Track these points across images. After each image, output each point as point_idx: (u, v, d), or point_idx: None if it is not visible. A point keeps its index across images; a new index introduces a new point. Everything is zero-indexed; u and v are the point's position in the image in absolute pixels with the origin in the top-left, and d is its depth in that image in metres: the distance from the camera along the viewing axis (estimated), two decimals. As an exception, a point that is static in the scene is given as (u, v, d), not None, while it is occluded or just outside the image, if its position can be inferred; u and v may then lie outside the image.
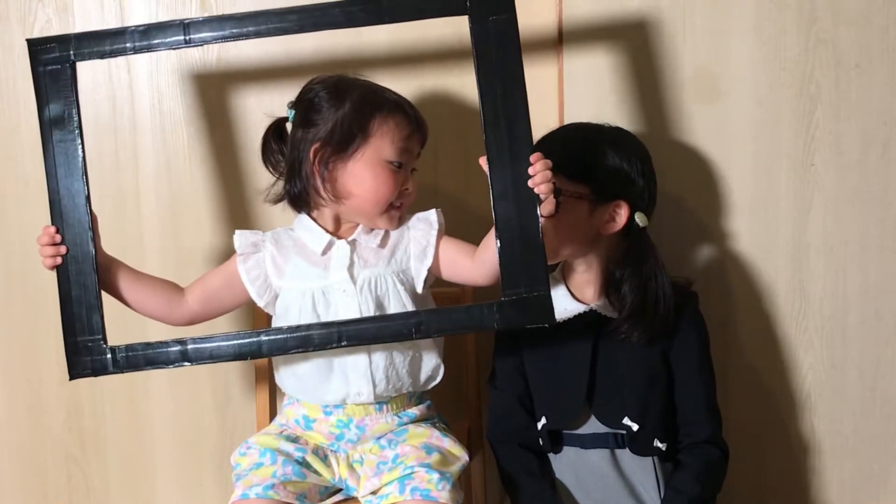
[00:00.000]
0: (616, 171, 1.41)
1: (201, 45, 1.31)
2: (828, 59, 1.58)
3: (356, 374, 1.36)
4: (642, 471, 1.43)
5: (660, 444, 1.43)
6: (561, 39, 1.59)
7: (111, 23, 1.63)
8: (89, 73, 1.64)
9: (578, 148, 1.42)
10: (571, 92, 1.60)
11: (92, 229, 1.31)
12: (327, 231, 1.39)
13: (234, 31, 1.29)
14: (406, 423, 1.41)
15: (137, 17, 1.63)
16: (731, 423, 1.57)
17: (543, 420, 1.45)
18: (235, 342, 1.32)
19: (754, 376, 1.66)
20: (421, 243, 1.38)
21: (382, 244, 1.38)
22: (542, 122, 1.54)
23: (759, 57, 1.58)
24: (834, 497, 1.69)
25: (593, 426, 1.44)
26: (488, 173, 1.27)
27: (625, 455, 1.43)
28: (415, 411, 1.42)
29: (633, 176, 1.41)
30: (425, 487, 1.28)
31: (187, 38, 1.29)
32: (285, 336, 1.31)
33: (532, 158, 1.25)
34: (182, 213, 1.68)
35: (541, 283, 1.28)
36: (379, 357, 1.35)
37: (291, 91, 1.42)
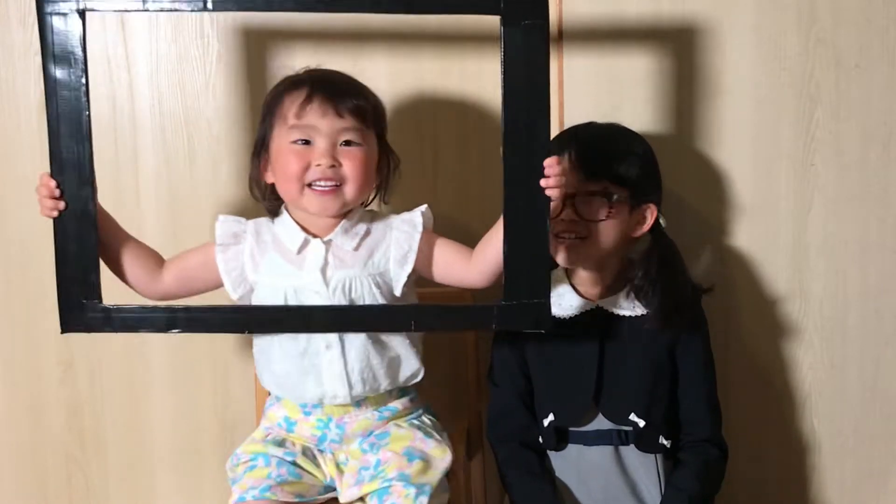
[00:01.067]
0: (650, 174, 1.43)
1: (221, 10, 1.26)
2: (828, 59, 1.58)
3: (331, 377, 1.35)
4: (644, 468, 1.43)
5: (664, 441, 1.43)
6: (561, 36, 1.59)
7: (111, 24, 1.63)
8: (90, 72, 1.64)
9: (618, 151, 1.42)
10: (572, 90, 1.60)
11: (93, 189, 1.28)
12: (304, 229, 1.36)
13: (258, 1, 1.25)
14: (388, 419, 1.40)
15: (137, 17, 1.63)
16: (732, 423, 1.57)
17: (551, 417, 1.45)
18: (231, 315, 1.31)
19: (755, 376, 1.66)
20: (403, 248, 1.35)
21: (358, 247, 1.35)
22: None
23: (759, 57, 1.58)
24: (834, 497, 1.69)
25: (598, 423, 1.44)
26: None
27: (628, 452, 1.43)
28: (397, 405, 1.41)
29: (657, 177, 1.44)
30: (402, 503, 1.27)
31: (207, 3, 1.22)
32: (283, 314, 1.30)
33: (550, 161, 1.24)
34: (182, 213, 1.68)
35: (542, 291, 1.28)
36: (354, 360, 1.34)
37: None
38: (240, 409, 1.73)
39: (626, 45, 1.59)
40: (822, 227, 1.62)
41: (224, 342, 1.70)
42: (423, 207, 1.38)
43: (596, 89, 1.60)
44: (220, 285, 1.39)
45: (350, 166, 1.31)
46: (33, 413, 1.75)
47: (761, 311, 1.65)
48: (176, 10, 1.24)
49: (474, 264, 1.34)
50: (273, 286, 1.34)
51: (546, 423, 1.46)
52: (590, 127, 1.48)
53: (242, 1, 1.25)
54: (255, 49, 1.62)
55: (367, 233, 1.37)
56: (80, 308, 1.29)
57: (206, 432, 1.74)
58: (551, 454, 1.47)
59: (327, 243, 1.35)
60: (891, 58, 1.58)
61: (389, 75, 1.60)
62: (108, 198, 1.65)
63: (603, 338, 1.44)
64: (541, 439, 1.46)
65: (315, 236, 1.35)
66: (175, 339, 1.66)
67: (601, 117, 1.51)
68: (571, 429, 1.45)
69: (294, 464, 1.35)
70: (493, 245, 1.30)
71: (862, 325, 1.65)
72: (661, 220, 1.44)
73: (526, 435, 1.47)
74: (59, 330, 1.30)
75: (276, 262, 1.35)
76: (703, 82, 1.59)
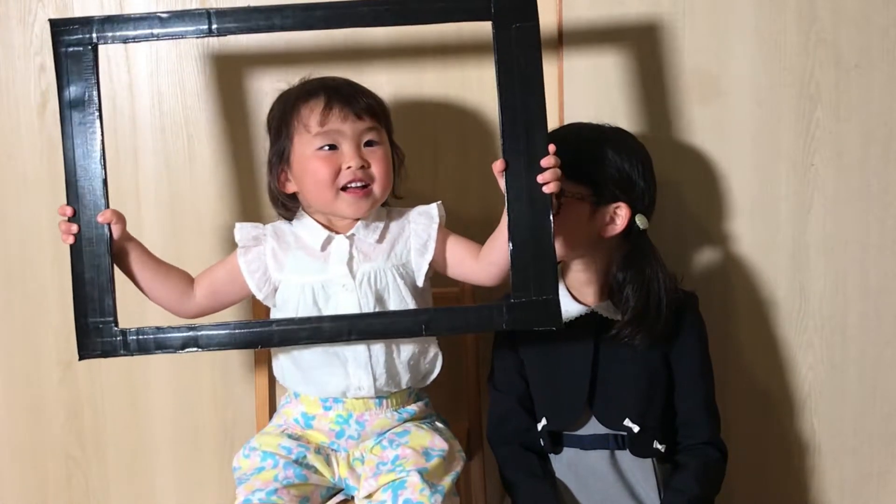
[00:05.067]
0: (617, 173, 1.40)
1: (225, 35, 1.32)
2: (828, 59, 1.58)
3: (356, 366, 1.36)
4: (642, 472, 1.43)
5: (659, 446, 1.43)
6: (561, 40, 1.59)
7: (111, 22, 1.63)
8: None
9: (580, 149, 1.42)
10: (571, 91, 1.60)
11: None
12: (325, 227, 1.39)
13: (260, 23, 1.29)
14: (406, 420, 1.41)
15: (137, 16, 1.63)
16: (732, 423, 1.57)
17: (544, 421, 1.45)
18: (247, 330, 1.32)
19: (754, 376, 1.66)
20: (422, 237, 1.39)
21: (380, 239, 1.39)
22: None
23: (759, 57, 1.58)
24: (834, 497, 1.69)
25: (593, 427, 1.44)
26: (503, 179, 1.27)
27: (624, 456, 1.43)
28: (414, 408, 1.42)
29: (633, 178, 1.41)
30: (417, 500, 1.28)
31: (212, 27, 1.28)
32: (296, 327, 1.31)
33: (546, 159, 1.26)
34: (182, 213, 1.68)
35: (550, 288, 1.28)
36: (379, 350, 1.36)
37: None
38: (240, 409, 1.73)
39: (625, 46, 1.58)
40: (822, 227, 1.62)
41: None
42: (438, 202, 1.42)
43: (595, 90, 1.60)
44: (247, 296, 1.42)
45: (376, 166, 1.36)
46: (33, 413, 1.75)
47: (761, 312, 1.65)
48: (182, 38, 1.30)
49: (482, 263, 1.37)
50: (300, 283, 1.37)
51: (540, 427, 1.46)
52: (566, 127, 1.49)
53: (244, 25, 1.29)
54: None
55: (387, 226, 1.40)
56: (97, 332, 1.31)
57: (206, 432, 1.74)
58: (550, 457, 1.47)
59: (350, 238, 1.38)
60: (891, 58, 1.58)
61: (390, 77, 1.60)
62: (109, 199, 1.66)
63: (598, 342, 1.43)
64: (541, 442, 1.47)
65: (337, 233, 1.38)
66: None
67: (600, 118, 1.51)
68: (568, 433, 1.45)
69: (302, 463, 1.36)
70: (498, 243, 1.32)
71: (862, 325, 1.65)
72: (638, 221, 1.41)
73: (526, 437, 1.47)
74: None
75: (301, 260, 1.38)
76: (703, 82, 1.59)
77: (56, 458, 1.77)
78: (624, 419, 1.42)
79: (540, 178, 1.26)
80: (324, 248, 1.38)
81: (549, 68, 1.60)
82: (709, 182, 1.61)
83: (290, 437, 1.39)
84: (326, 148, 1.34)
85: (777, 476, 1.69)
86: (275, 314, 1.42)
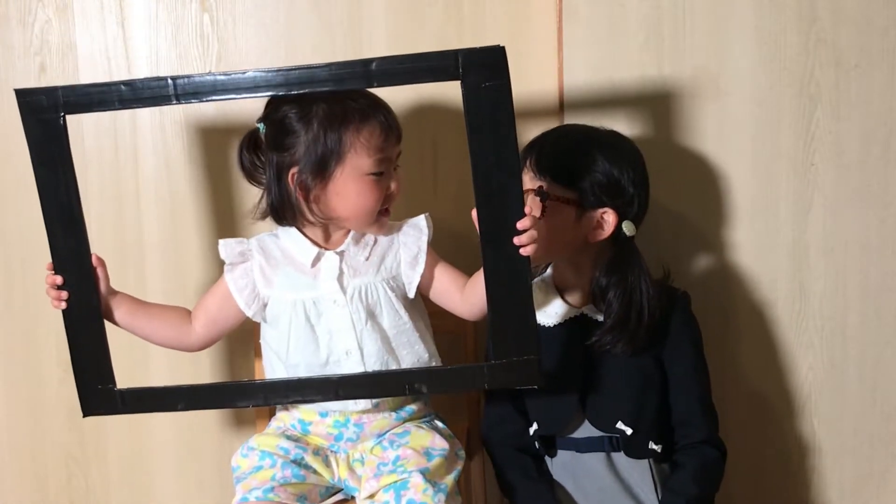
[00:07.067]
0: (605, 179, 1.39)
1: (189, 103, 1.28)
2: (828, 59, 1.58)
3: None
4: (638, 473, 1.43)
5: (655, 446, 1.42)
6: (561, 23, 1.59)
7: (111, 24, 1.64)
8: (90, 73, 1.65)
9: (569, 153, 1.41)
10: (573, 100, 1.60)
11: (95, 281, 1.32)
12: (315, 243, 1.38)
13: (222, 90, 1.24)
14: (405, 420, 1.41)
15: (137, 17, 1.63)
16: (731, 424, 1.57)
17: (535, 426, 1.45)
18: (237, 391, 1.35)
19: (754, 376, 1.66)
20: (412, 250, 1.38)
21: (369, 256, 1.38)
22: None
23: (759, 57, 1.58)
24: (834, 497, 1.69)
25: (587, 430, 1.43)
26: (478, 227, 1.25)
27: (620, 458, 1.43)
28: (413, 407, 1.42)
29: (622, 184, 1.40)
30: (421, 500, 1.28)
31: (176, 94, 1.25)
32: (285, 388, 1.33)
33: (523, 222, 1.23)
34: (182, 213, 1.68)
35: (530, 349, 1.28)
36: (374, 366, 1.35)
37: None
38: (240, 410, 1.72)
39: (625, 44, 1.58)
40: (822, 227, 1.62)
41: (223, 343, 1.70)
42: (425, 214, 1.41)
43: (598, 86, 1.60)
44: (244, 317, 1.40)
45: (397, 189, 1.36)
46: (33, 413, 1.76)
47: (761, 312, 1.65)
48: (147, 106, 1.27)
49: (466, 299, 1.37)
50: (290, 300, 1.36)
51: (532, 431, 1.46)
52: (558, 128, 1.48)
53: (206, 92, 1.25)
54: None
55: (376, 241, 1.39)
56: (96, 393, 1.35)
57: (206, 432, 1.74)
58: (547, 459, 1.47)
59: (340, 254, 1.37)
60: (891, 58, 1.58)
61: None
62: (108, 198, 1.67)
63: (589, 345, 1.42)
64: (536, 445, 1.46)
65: (327, 248, 1.37)
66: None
67: (602, 119, 1.51)
68: (561, 437, 1.44)
69: (300, 463, 1.36)
70: (478, 289, 1.31)
71: (862, 325, 1.65)
72: (625, 228, 1.40)
73: (521, 441, 1.47)
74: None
75: (290, 276, 1.37)
76: (703, 82, 1.59)
77: (56, 458, 1.77)
78: (616, 422, 1.41)
79: (517, 241, 1.23)
80: (314, 264, 1.37)
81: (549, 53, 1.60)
82: (708, 182, 1.61)
83: (288, 438, 1.40)
84: (376, 175, 1.32)
85: (777, 476, 1.69)
86: (265, 329, 1.41)
